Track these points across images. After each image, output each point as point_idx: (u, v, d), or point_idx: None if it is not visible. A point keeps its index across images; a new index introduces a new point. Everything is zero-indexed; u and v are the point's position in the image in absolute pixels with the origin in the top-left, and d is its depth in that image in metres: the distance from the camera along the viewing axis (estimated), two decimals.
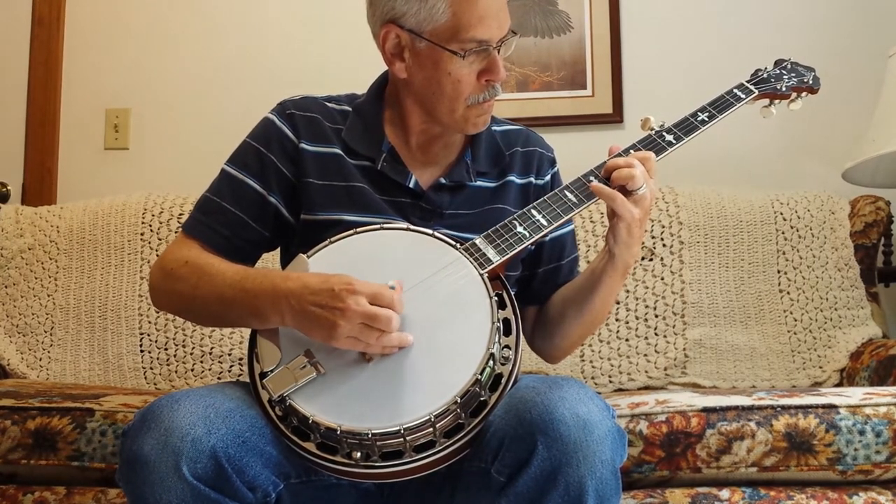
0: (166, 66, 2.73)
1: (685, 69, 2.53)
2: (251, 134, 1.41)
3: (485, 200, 1.41)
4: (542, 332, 1.47)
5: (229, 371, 2.20)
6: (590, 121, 2.55)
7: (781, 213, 2.22)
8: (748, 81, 1.50)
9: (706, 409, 1.47)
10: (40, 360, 2.25)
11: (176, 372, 2.21)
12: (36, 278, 2.32)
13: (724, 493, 1.44)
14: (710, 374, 2.11)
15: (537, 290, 1.48)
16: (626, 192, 1.26)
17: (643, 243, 2.20)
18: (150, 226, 2.33)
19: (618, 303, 2.18)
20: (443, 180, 1.39)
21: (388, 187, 1.38)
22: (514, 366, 1.17)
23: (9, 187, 2.69)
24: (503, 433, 1.10)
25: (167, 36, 2.74)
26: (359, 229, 1.28)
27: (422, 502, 1.25)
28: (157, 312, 2.24)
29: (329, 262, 1.23)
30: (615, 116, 2.55)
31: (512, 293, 1.26)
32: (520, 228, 1.28)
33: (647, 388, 2.09)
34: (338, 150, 1.39)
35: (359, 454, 1.12)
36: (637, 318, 2.17)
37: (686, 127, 1.39)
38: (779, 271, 2.19)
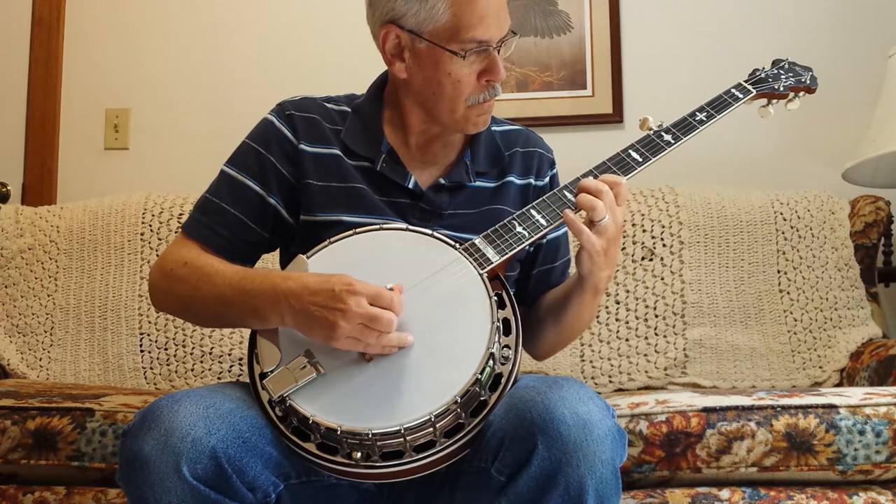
0: (166, 66, 2.73)
1: (685, 69, 2.53)
2: (250, 135, 1.41)
3: (484, 201, 1.41)
4: (526, 332, 1.47)
5: (229, 371, 2.20)
6: (590, 121, 2.55)
7: (781, 213, 2.22)
8: (746, 81, 1.50)
9: (706, 409, 1.47)
10: (40, 360, 2.25)
11: (176, 372, 2.21)
12: (36, 278, 2.32)
13: (724, 493, 1.44)
14: (710, 374, 2.11)
15: (531, 291, 1.49)
16: (590, 220, 1.24)
17: (643, 243, 2.21)
18: (150, 226, 2.33)
19: (617, 303, 2.18)
20: (442, 181, 1.39)
21: (388, 188, 1.38)
22: (513, 365, 1.17)
23: (9, 187, 2.69)
24: (503, 433, 1.10)
25: (167, 36, 2.75)
26: (358, 230, 1.28)
27: (422, 502, 1.25)
28: (157, 312, 2.24)
29: (328, 262, 1.23)
30: (615, 116, 2.55)
31: (511, 293, 1.26)
32: (519, 228, 1.28)
33: (647, 388, 2.09)
34: (337, 151, 1.39)
35: (359, 454, 1.12)
36: (637, 318, 2.17)
37: (684, 127, 1.39)
38: (779, 271, 2.19)
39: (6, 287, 2.32)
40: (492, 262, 1.24)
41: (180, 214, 2.32)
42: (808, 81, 1.54)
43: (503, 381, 1.16)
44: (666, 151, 1.36)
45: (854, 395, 1.49)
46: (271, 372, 1.16)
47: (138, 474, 1.07)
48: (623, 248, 2.20)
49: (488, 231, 1.28)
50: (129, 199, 2.38)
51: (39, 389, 1.82)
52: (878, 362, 1.94)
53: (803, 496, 1.43)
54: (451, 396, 1.12)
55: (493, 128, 1.47)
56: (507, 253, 1.25)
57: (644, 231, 2.22)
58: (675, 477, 1.47)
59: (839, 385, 2.05)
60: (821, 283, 2.16)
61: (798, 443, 1.43)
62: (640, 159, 1.35)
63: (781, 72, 1.53)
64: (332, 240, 1.27)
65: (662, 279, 2.19)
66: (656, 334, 2.15)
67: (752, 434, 1.44)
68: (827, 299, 2.15)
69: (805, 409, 1.46)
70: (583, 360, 2.17)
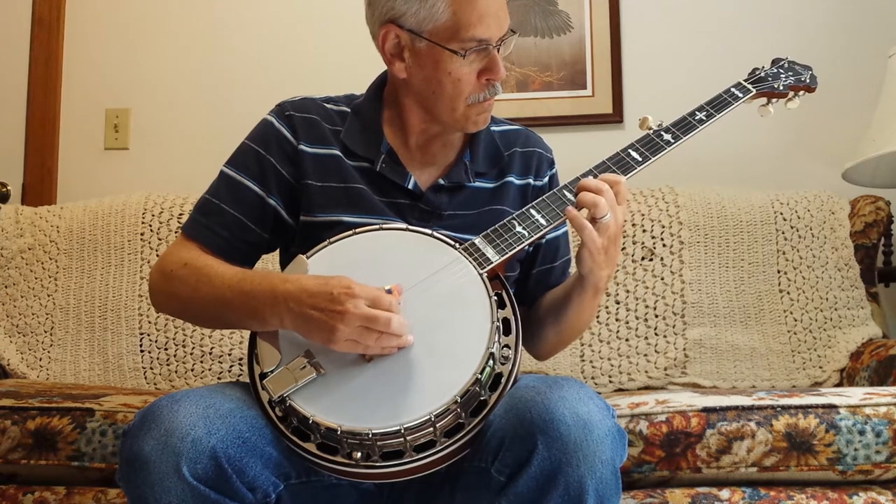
0: (166, 66, 2.73)
1: (685, 69, 2.53)
2: (250, 136, 1.41)
3: (484, 201, 1.41)
4: (526, 331, 1.47)
5: (229, 371, 2.20)
6: (590, 121, 2.55)
7: (781, 213, 2.22)
8: (746, 80, 1.50)
9: (706, 409, 1.47)
10: (40, 360, 2.25)
11: (176, 372, 2.21)
12: (36, 278, 2.32)
13: (724, 493, 1.44)
14: (710, 374, 2.11)
15: (531, 291, 1.49)
16: (592, 218, 1.24)
17: (643, 243, 2.21)
18: (150, 226, 2.33)
19: (617, 303, 2.18)
20: (441, 181, 1.39)
21: (387, 188, 1.38)
22: (513, 365, 1.17)
23: (9, 187, 2.69)
24: (503, 433, 1.10)
25: (167, 36, 2.74)
26: (358, 230, 1.28)
27: (422, 502, 1.25)
28: (158, 312, 2.23)
29: (328, 262, 1.23)
30: (615, 116, 2.55)
31: (511, 292, 1.26)
32: (519, 228, 1.28)
33: (647, 388, 2.09)
34: (336, 152, 1.39)
35: (359, 454, 1.12)
36: (637, 318, 2.17)
37: (684, 126, 1.39)
38: (779, 271, 2.19)
39: (6, 287, 2.32)
40: (492, 262, 1.24)
41: (180, 214, 2.32)
42: (807, 80, 1.54)
43: (503, 380, 1.16)
44: (666, 151, 1.36)
45: (854, 395, 1.49)
46: (271, 372, 1.16)
47: (138, 474, 1.07)
48: (623, 248, 2.20)
49: (488, 231, 1.28)
50: (129, 199, 2.38)
51: (39, 389, 1.82)
52: (878, 362, 1.94)
53: (803, 496, 1.43)
54: (452, 396, 1.12)
55: (493, 128, 1.47)
56: (506, 253, 1.25)
57: (644, 231, 2.22)
58: (675, 477, 1.47)
59: (839, 385, 2.05)
60: (821, 283, 2.16)
61: (798, 443, 1.43)
62: (640, 159, 1.35)
63: (781, 71, 1.53)
64: (331, 240, 1.27)
65: (662, 279, 2.19)
66: (656, 334, 2.15)
67: (752, 434, 1.44)
68: (827, 299, 2.15)
69: (805, 409, 1.45)
70: (583, 360, 2.17)
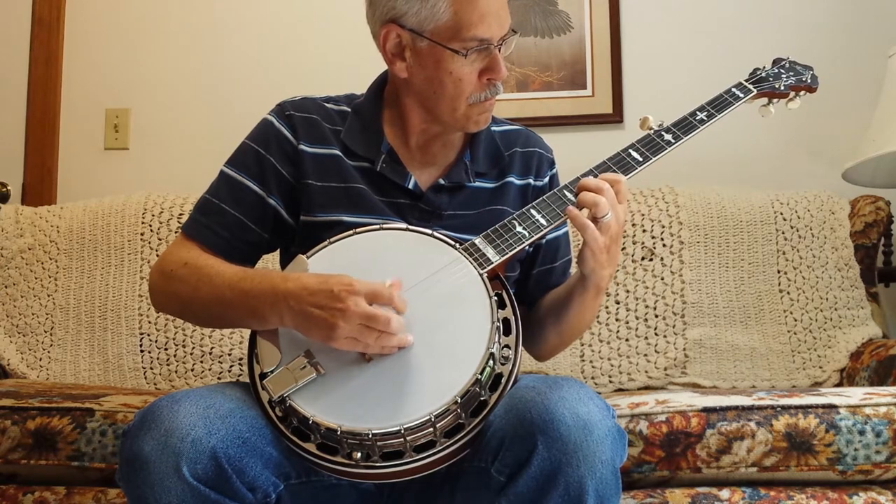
0: (166, 66, 2.73)
1: (685, 69, 2.53)
2: (250, 135, 1.41)
3: (484, 201, 1.41)
4: (527, 332, 1.47)
5: (229, 371, 2.20)
6: (590, 121, 2.55)
7: (781, 213, 2.22)
8: (746, 80, 1.50)
9: (706, 409, 1.47)
10: (40, 360, 2.25)
11: (176, 372, 2.21)
12: (36, 278, 2.32)
13: (724, 493, 1.44)
14: (710, 374, 2.11)
15: (531, 291, 1.49)
16: (593, 217, 1.25)
17: (643, 243, 2.21)
18: (150, 226, 2.33)
19: (617, 303, 2.18)
20: (442, 181, 1.39)
21: (387, 188, 1.38)
22: (513, 365, 1.17)
23: (9, 187, 2.69)
24: (503, 433, 1.10)
25: (167, 36, 2.74)
26: (358, 230, 1.28)
27: (422, 502, 1.25)
28: (158, 312, 2.24)
29: (328, 262, 1.23)
30: (615, 116, 2.55)
31: (511, 293, 1.26)
32: (519, 228, 1.28)
33: (647, 388, 2.09)
34: (337, 152, 1.38)
35: (359, 454, 1.12)
36: (637, 318, 2.17)
37: (685, 126, 1.39)
38: (779, 271, 2.19)
39: (6, 287, 2.31)
40: (492, 262, 1.24)
41: (180, 214, 2.32)
42: (808, 80, 1.54)
43: (503, 381, 1.16)
44: (666, 151, 1.36)
45: (854, 395, 1.49)
46: (271, 372, 1.16)
47: (138, 474, 1.07)
48: (623, 248, 2.20)
49: (488, 231, 1.28)
50: (129, 199, 2.38)
51: (39, 389, 1.82)
52: (878, 362, 1.94)
53: (803, 496, 1.43)
54: (452, 396, 1.12)
55: (493, 128, 1.47)
56: (507, 253, 1.25)
57: (644, 231, 2.22)
58: (675, 477, 1.47)
59: (839, 385, 2.05)
60: (821, 283, 2.16)
61: (798, 443, 1.43)
62: (641, 159, 1.35)
63: (782, 71, 1.53)
64: (332, 240, 1.27)
65: (662, 279, 2.19)
66: (656, 334, 2.15)
67: (752, 434, 1.44)
68: (827, 299, 2.15)
69: (805, 409, 1.45)
70: (583, 360, 2.17)
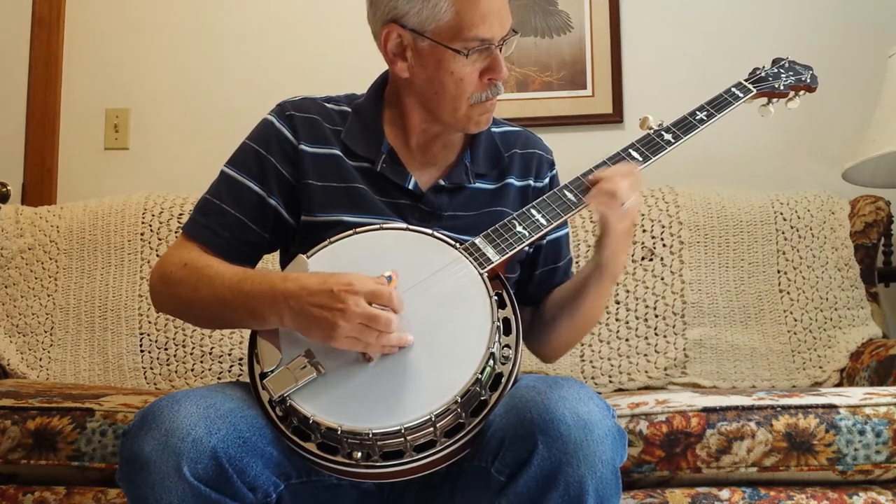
0: (166, 66, 2.73)
1: (685, 69, 2.53)
2: (250, 135, 1.41)
3: (484, 202, 1.41)
4: (535, 332, 1.48)
5: (229, 371, 2.20)
6: (590, 121, 2.55)
7: (781, 213, 2.22)
8: (746, 80, 1.50)
9: (706, 409, 1.47)
10: (40, 360, 2.25)
11: (176, 372, 2.21)
12: (36, 278, 2.32)
13: (724, 493, 1.44)
14: (710, 374, 2.11)
15: (533, 292, 1.49)
16: None
17: (643, 243, 2.21)
18: (150, 226, 2.33)
19: (617, 303, 2.18)
20: (442, 182, 1.39)
21: (388, 188, 1.38)
22: (514, 365, 1.17)
23: (9, 187, 2.69)
24: (503, 433, 1.10)
25: (167, 36, 2.74)
26: (358, 229, 1.28)
27: (422, 502, 1.25)
28: (158, 312, 2.24)
29: (329, 262, 1.23)
30: (615, 116, 2.55)
31: (512, 293, 1.26)
32: (519, 228, 1.28)
33: (647, 388, 2.09)
34: (337, 152, 1.39)
35: (359, 454, 1.12)
36: (637, 318, 2.17)
37: (684, 126, 1.39)
38: (779, 271, 2.19)
39: (6, 287, 2.31)
40: (492, 262, 1.24)
41: (180, 214, 2.32)
42: (808, 80, 1.54)
43: (503, 380, 1.16)
44: (666, 151, 1.36)
45: (854, 395, 1.49)
46: (271, 372, 1.16)
47: (139, 474, 1.07)
48: None
49: (488, 231, 1.28)
50: (129, 199, 2.38)
51: (39, 389, 1.82)
52: (878, 362, 1.94)
53: (803, 496, 1.43)
54: (452, 396, 1.12)
55: (493, 129, 1.47)
56: (507, 253, 1.25)
57: (644, 231, 2.22)
58: (675, 477, 1.47)
59: (839, 385, 2.05)
60: (821, 283, 2.16)
61: (798, 443, 1.43)
62: (641, 159, 1.35)
63: (782, 71, 1.53)
64: (332, 240, 1.27)
65: (662, 279, 2.19)
66: (656, 334, 2.15)
67: (752, 434, 1.44)
68: (827, 299, 2.15)
69: (805, 409, 1.45)
70: (583, 360, 2.17)
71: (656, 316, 2.17)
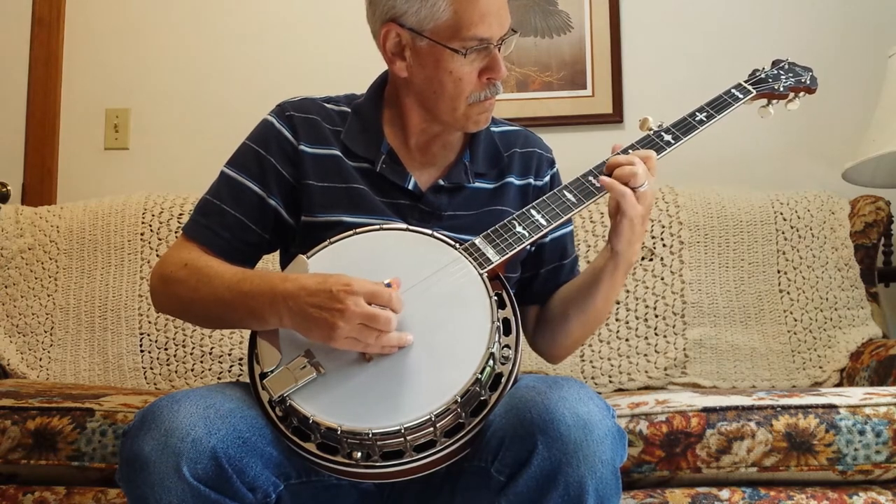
0: (166, 66, 2.74)
1: (685, 69, 2.53)
2: (250, 136, 1.41)
3: (484, 202, 1.41)
4: (544, 331, 1.47)
5: (229, 371, 2.20)
6: (590, 121, 2.55)
7: (781, 213, 2.22)
8: (746, 81, 1.50)
9: (706, 409, 1.47)
10: (40, 360, 2.25)
11: (176, 372, 2.21)
12: (36, 278, 2.32)
13: (724, 493, 1.44)
14: (710, 374, 2.11)
15: (538, 290, 1.48)
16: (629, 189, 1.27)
17: (643, 243, 2.20)
18: (150, 226, 2.33)
19: (618, 303, 2.18)
20: (441, 181, 1.39)
21: (387, 189, 1.38)
22: (514, 365, 1.17)
23: (9, 187, 2.69)
24: (503, 433, 1.10)
25: (167, 36, 2.75)
26: (358, 230, 1.28)
27: (422, 502, 1.25)
28: (158, 312, 2.23)
29: (328, 262, 1.24)
30: (615, 116, 2.55)
31: (511, 293, 1.26)
32: (519, 228, 1.28)
33: (647, 388, 2.09)
34: (337, 152, 1.39)
35: (359, 454, 1.12)
36: (637, 318, 2.17)
37: (684, 127, 1.39)
38: (779, 271, 2.19)
39: (6, 287, 2.32)
40: (492, 262, 1.24)
41: (180, 214, 2.32)
42: (808, 81, 1.54)
43: (503, 380, 1.16)
44: (666, 151, 1.36)
45: (854, 395, 1.49)
46: (271, 372, 1.16)
47: (138, 474, 1.07)
48: None
49: (488, 231, 1.28)
50: (129, 199, 2.38)
51: (39, 389, 1.82)
52: (878, 362, 1.94)
53: (803, 496, 1.43)
54: (452, 396, 1.12)
55: (492, 128, 1.47)
56: (507, 253, 1.25)
57: (646, 228, 2.21)
58: (675, 477, 1.47)
59: (839, 385, 2.05)
60: (821, 283, 2.16)
61: (798, 443, 1.43)
62: None
63: (781, 72, 1.53)
64: (332, 240, 1.27)
65: (662, 279, 2.19)
66: (656, 334, 2.15)
67: (752, 434, 1.44)
68: (827, 299, 2.15)
69: (805, 409, 1.46)
70: (583, 360, 2.17)
71: (656, 316, 2.17)
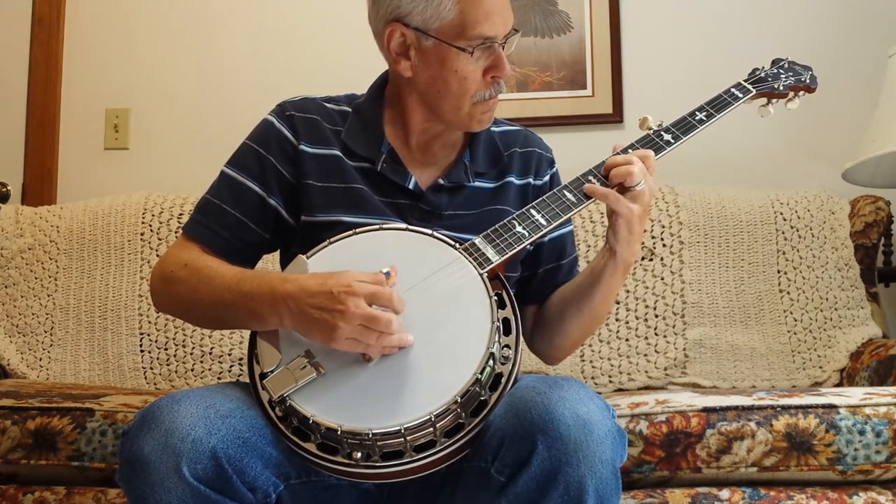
0: (166, 66, 2.73)
1: (685, 69, 2.53)
2: (251, 136, 1.41)
3: (484, 201, 1.41)
4: (541, 331, 1.47)
5: (229, 371, 2.20)
6: (590, 121, 2.55)
7: (781, 213, 2.22)
8: (746, 80, 1.50)
9: (706, 409, 1.47)
10: (40, 360, 2.25)
11: (176, 372, 2.21)
12: (36, 278, 2.32)
13: (724, 493, 1.44)
14: (710, 374, 2.11)
15: (537, 290, 1.48)
16: (625, 188, 1.27)
17: (643, 243, 2.20)
18: (150, 226, 2.33)
19: (618, 303, 2.18)
20: (441, 181, 1.39)
21: (388, 188, 1.38)
22: (514, 365, 1.17)
23: (9, 187, 2.69)
24: (503, 433, 1.10)
25: (167, 36, 2.74)
26: (358, 230, 1.28)
27: (422, 502, 1.25)
28: (157, 312, 2.23)
29: (328, 262, 1.23)
30: (615, 116, 2.55)
31: (511, 293, 1.26)
32: (519, 228, 1.28)
33: (647, 388, 2.09)
34: (337, 152, 1.39)
35: (359, 454, 1.12)
36: (637, 318, 2.17)
37: (684, 126, 1.39)
38: (779, 271, 2.19)
39: (6, 287, 2.31)
40: (492, 262, 1.24)
41: (180, 214, 2.32)
42: (807, 81, 1.54)
43: (503, 380, 1.16)
44: (666, 151, 1.36)
45: (854, 395, 1.49)
46: (271, 372, 1.16)
47: (138, 475, 1.07)
48: None
49: (488, 231, 1.28)
50: (129, 199, 2.38)
51: (39, 389, 1.82)
52: (878, 362, 1.94)
53: (803, 496, 1.43)
54: (452, 396, 1.12)
55: (492, 128, 1.47)
56: (506, 253, 1.25)
57: (644, 231, 2.21)
58: (675, 477, 1.47)
59: (839, 385, 2.05)
60: (821, 283, 2.16)
61: (798, 443, 1.43)
62: None
63: (781, 71, 1.53)
64: (332, 240, 1.27)
65: (662, 279, 2.19)
66: (656, 334, 2.15)
67: (752, 434, 1.44)
68: (827, 299, 2.15)
69: (805, 409, 1.46)
70: (583, 360, 2.17)
71: (656, 316, 2.17)
